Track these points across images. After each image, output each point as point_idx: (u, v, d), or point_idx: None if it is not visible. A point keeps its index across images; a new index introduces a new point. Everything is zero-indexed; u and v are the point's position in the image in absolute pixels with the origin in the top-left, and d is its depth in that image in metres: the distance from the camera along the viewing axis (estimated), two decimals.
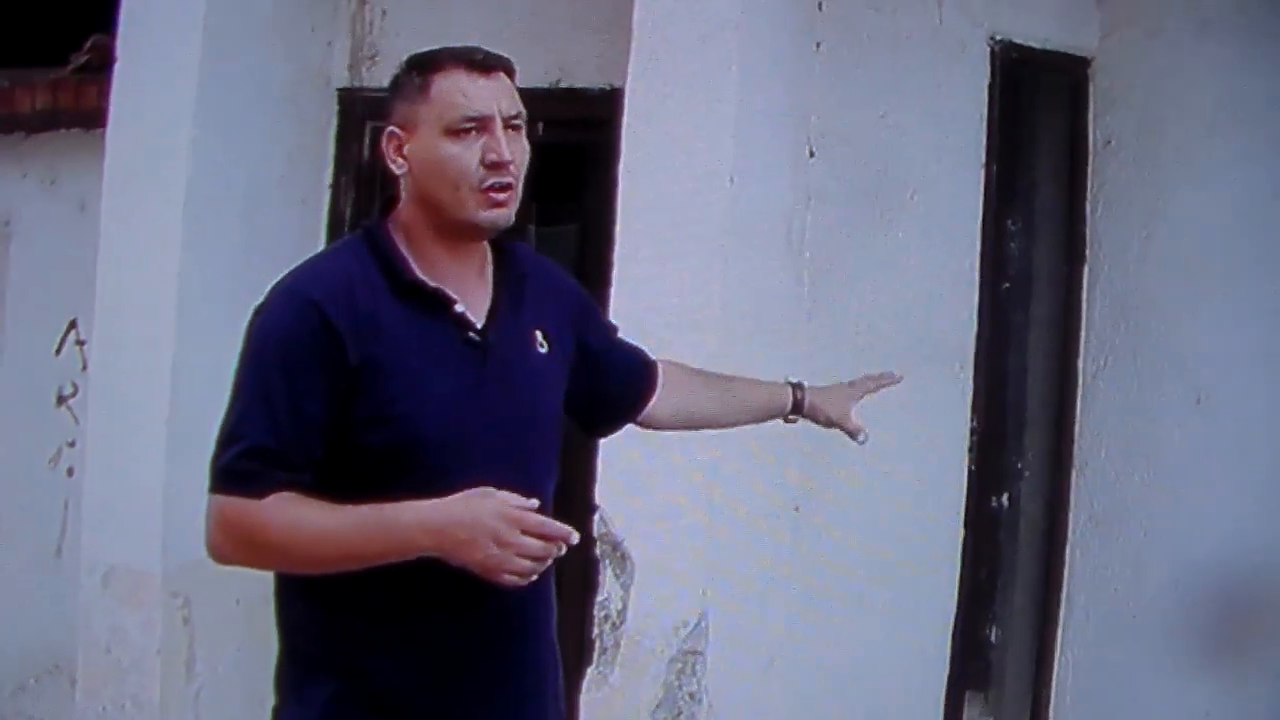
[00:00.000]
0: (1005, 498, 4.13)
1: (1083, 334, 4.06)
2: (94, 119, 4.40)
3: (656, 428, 2.69)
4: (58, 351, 4.83)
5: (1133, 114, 4.06)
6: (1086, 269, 4.07)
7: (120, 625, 4.18)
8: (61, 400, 4.83)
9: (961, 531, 3.93)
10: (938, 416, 3.91)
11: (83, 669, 4.25)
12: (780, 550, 3.78)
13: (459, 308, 2.20)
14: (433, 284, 2.19)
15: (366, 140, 4.35)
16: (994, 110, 3.96)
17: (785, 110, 3.77)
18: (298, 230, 4.29)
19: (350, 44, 4.42)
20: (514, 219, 2.23)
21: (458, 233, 2.22)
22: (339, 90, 4.43)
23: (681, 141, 3.60)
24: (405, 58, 2.35)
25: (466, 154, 2.17)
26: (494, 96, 2.20)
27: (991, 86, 3.97)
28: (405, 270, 2.19)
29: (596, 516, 3.64)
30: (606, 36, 3.98)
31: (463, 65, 2.21)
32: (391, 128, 2.22)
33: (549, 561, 2.08)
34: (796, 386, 2.75)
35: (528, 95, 4.45)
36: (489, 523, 2.05)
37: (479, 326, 2.22)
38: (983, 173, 3.96)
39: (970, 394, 3.95)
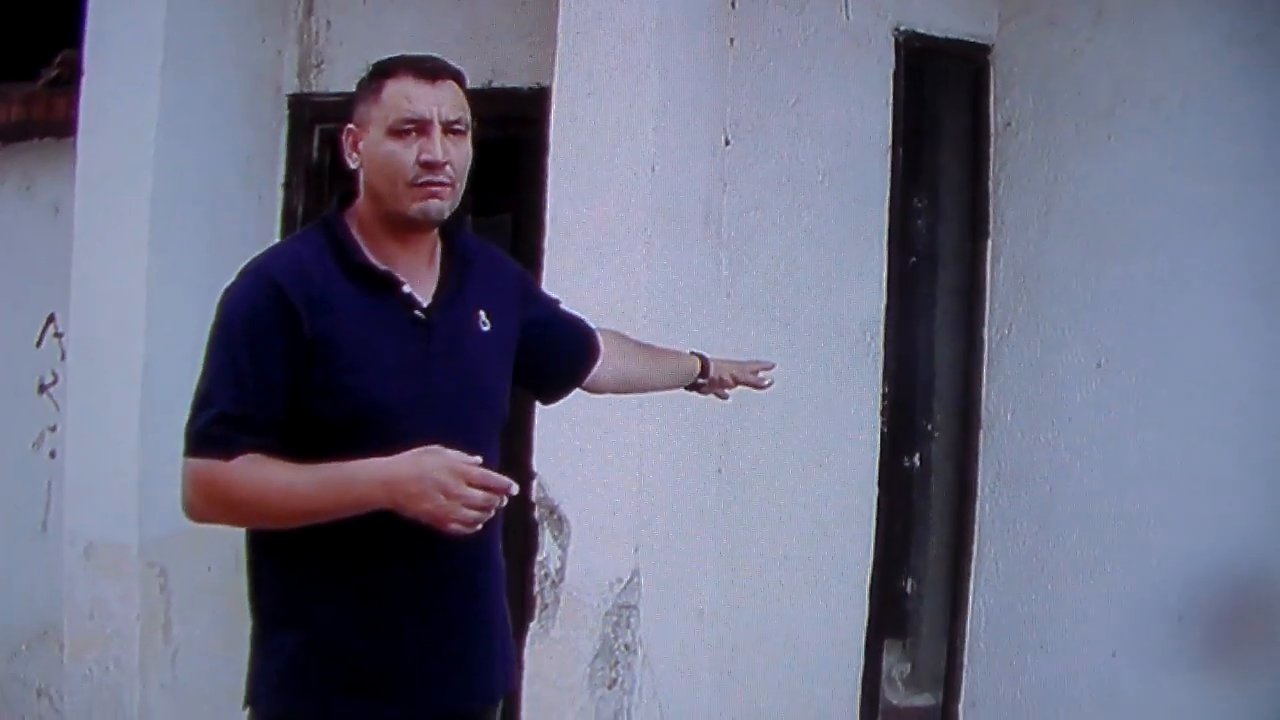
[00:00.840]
0: (917, 458, 4.22)
1: (987, 304, 4.16)
2: (65, 129, 4.51)
3: (597, 391, 2.84)
4: (38, 344, 4.90)
5: (1031, 98, 4.16)
6: (990, 243, 4.18)
7: (102, 594, 4.29)
8: (43, 388, 4.90)
9: (876, 490, 4.04)
10: (850, 383, 4.02)
11: (69, 635, 4.35)
12: (705, 510, 3.90)
13: (406, 289, 2.35)
14: (382, 267, 2.35)
15: (315, 141, 4.46)
16: (899, 97, 4.06)
17: (702, 103, 3.88)
18: (255, 225, 4.38)
19: (299, 53, 4.51)
20: (449, 213, 2.38)
21: (398, 222, 2.37)
22: (289, 96, 4.51)
23: (605, 135, 3.71)
24: (369, 65, 2.50)
25: (405, 152, 2.32)
26: (436, 102, 2.35)
27: (896, 75, 4.05)
28: (356, 254, 2.35)
29: (535, 482, 3.74)
30: (534, 39, 4.09)
31: (411, 72, 2.37)
32: (350, 125, 2.38)
33: (492, 512, 2.20)
34: (701, 356, 2.95)
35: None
36: (437, 475, 2.18)
37: (424, 306, 2.36)
38: (889, 156, 4.06)
39: (881, 362, 4.04)
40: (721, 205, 3.90)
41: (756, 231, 3.94)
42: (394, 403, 2.32)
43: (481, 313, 2.46)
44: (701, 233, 3.87)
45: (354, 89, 2.45)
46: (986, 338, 4.19)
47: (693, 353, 2.97)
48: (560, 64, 3.74)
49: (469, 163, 2.41)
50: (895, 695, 4.17)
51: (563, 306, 2.73)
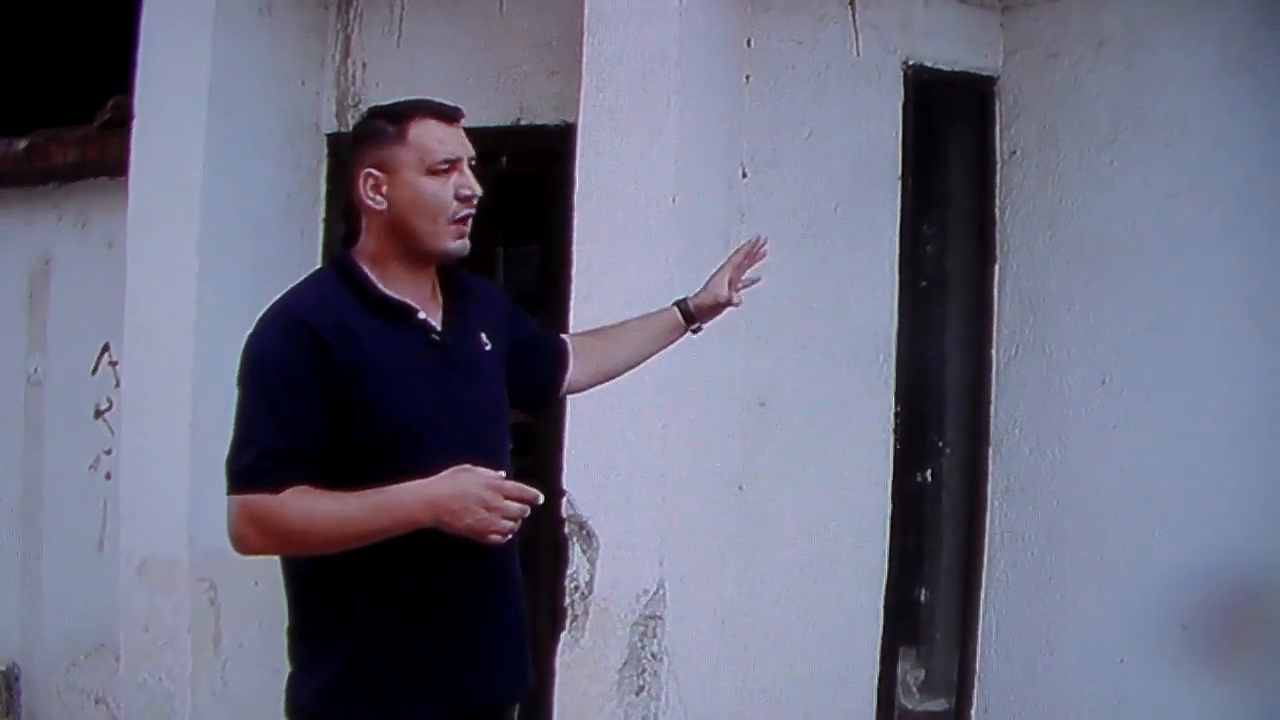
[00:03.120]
0: (928, 473, 4.30)
1: (995, 325, 4.24)
2: (118, 168, 4.63)
3: (582, 390, 2.97)
4: (94, 371, 5.04)
5: (1035, 127, 4.25)
6: (997, 268, 4.26)
7: (155, 608, 4.41)
8: (99, 414, 5.03)
9: (889, 504, 4.12)
10: (863, 403, 4.12)
11: (124, 647, 4.47)
12: (727, 525, 4.01)
13: (421, 315, 2.50)
14: (398, 297, 2.49)
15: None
16: (908, 128, 4.14)
17: (720, 137, 4.00)
18: (297, 259, 4.47)
19: (336, 94, 4.63)
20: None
21: (425, 258, 2.51)
22: (328, 135, 4.64)
23: (628, 168, 3.83)
24: (368, 109, 2.64)
25: (444, 190, 2.45)
26: (461, 140, 2.51)
27: (905, 106, 4.14)
28: (372, 289, 2.48)
29: (564, 499, 3.87)
30: (561, 78, 4.21)
31: (432, 115, 2.50)
32: (368, 169, 2.47)
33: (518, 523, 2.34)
34: (680, 302, 3.01)
35: (492, 133, 4.70)
36: (476, 491, 2.32)
37: (438, 330, 2.51)
38: (899, 184, 4.14)
39: (893, 383, 4.12)
40: (739, 234, 3.99)
41: (773, 260, 3.79)
42: (423, 420, 2.45)
43: (482, 334, 2.61)
44: (720, 261, 3.75)
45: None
46: (995, 358, 4.26)
47: (674, 303, 3.03)
48: (584, 101, 3.86)
49: None
50: (910, 701, 4.25)
51: (537, 325, 2.85)
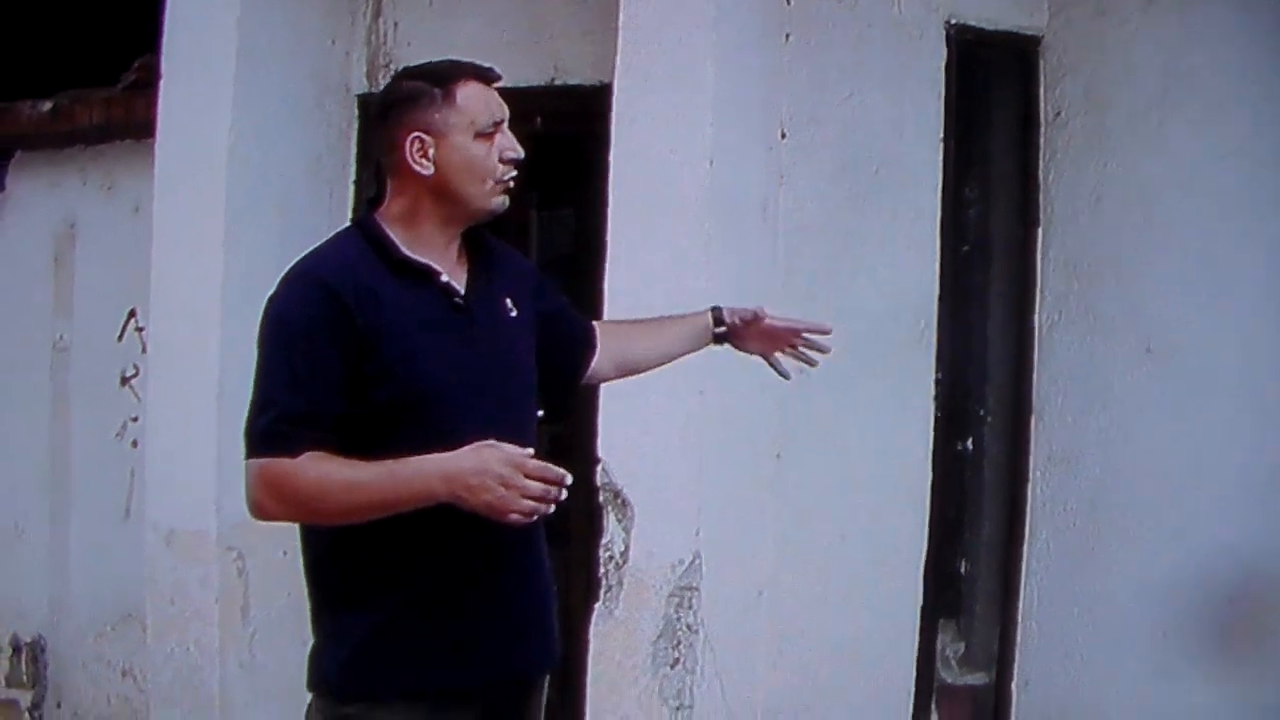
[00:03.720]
0: (970, 442, 4.28)
1: (1038, 291, 4.21)
2: (144, 130, 4.62)
3: (602, 381, 2.93)
4: (120, 338, 5.04)
5: (1081, 87, 4.20)
6: (1040, 232, 4.23)
7: (182, 578, 4.42)
8: (125, 381, 5.04)
9: (930, 473, 4.09)
10: (905, 369, 4.08)
11: (151, 617, 4.48)
12: (764, 494, 3.96)
13: (444, 279, 2.46)
14: (421, 260, 2.45)
15: None
16: (951, 89, 4.10)
17: (759, 97, 3.94)
18: (326, 222, 4.36)
19: (367, 54, 4.59)
20: None
21: (467, 219, 2.49)
22: (358, 96, 4.60)
23: (665, 130, 3.79)
24: (400, 70, 2.62)
25: (491, 154, 2.44)
26: (500, 102, 2.49)
27: (948, 67, 4.09)
28: (394, 250, 2.45)
29: (599, 467, 3.84)
30: (597, 37, 4.14)
31: (476, 77, 2.49)
32: (417, 134, 2.43)
33: (549, 505, 2.28)
34: (714, 309, 2.92)
35: (528, 92, 4.65)
36: (496, 469, 2.26)
37: (462, 294, 2.47)
38: (941, 147, 4.10)
39: (934, 348, 4.09)
40: (778, 198, 3.96)
41: (812, 223, 4.00)
42: (445, 386, 2.42)
43: (508, 300, 2.57)
44: (758, 225, 3.93)
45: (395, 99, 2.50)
46: (1038, 324, 4.23)
47: (710, 309, 2.94)
48: (621, 61, 3.82)
49: None
50: (949, 674, 4.23)
51: (566, 303, 2.80)
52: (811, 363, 2.96)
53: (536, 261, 4.56)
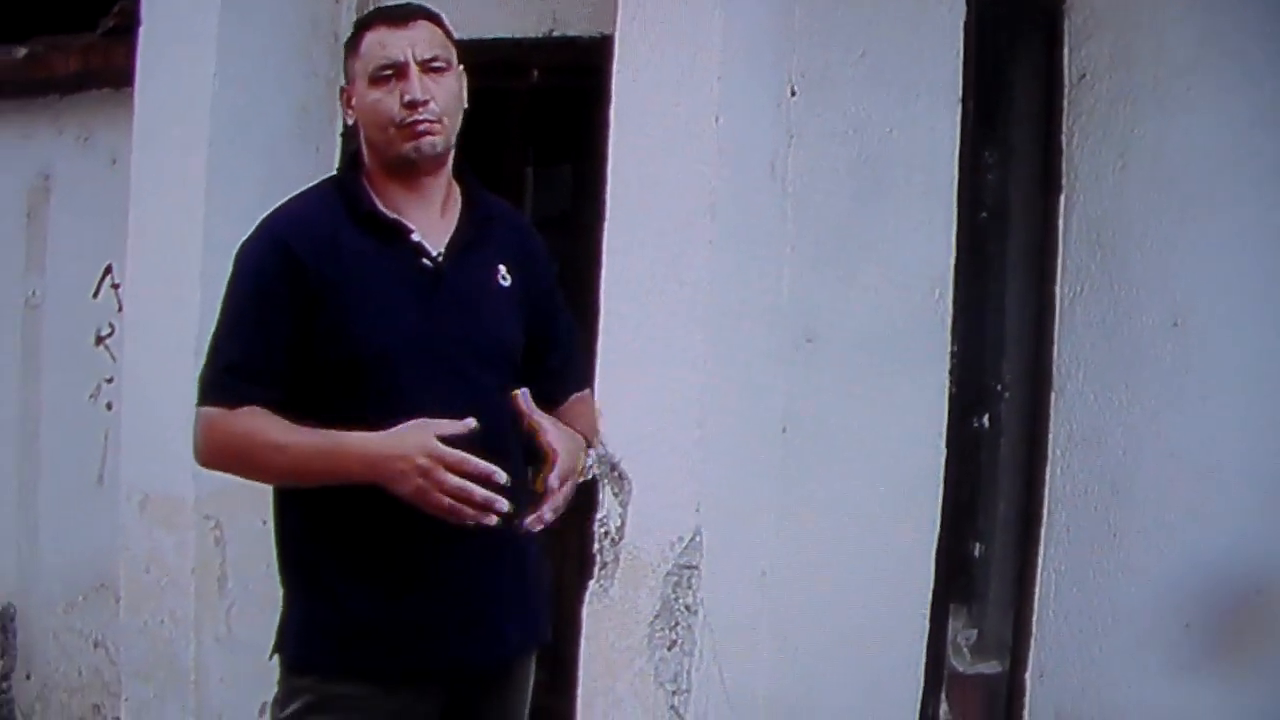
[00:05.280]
0: (986, 419, 4.17)
1: (1059, 261, 4.09)
2: (123, 79, 4.54)
3: None
4: (95, 295, 4.98)
5: (1107, 48, 4.08)
6: (1062, 199, 4.10)
7: (158, 547, 4.35)
8: (100, 340, 4.97)
9: (944, 451, 3.99)
10: (918, 342, 3.97)
11: (125, 587, 4.43)
12: (769, 470, 3.86)
13: (415, 236, 2.41)
14: (391, 215, 2.40)
15: None
16: (970, 47, 3.98)
17: (768, 52, 3.83)
18: (312, 176, 4.12)
19: (357, 2, 4.44)
20: (442, 148, 2.43)
21: (397, 167, 2.43)
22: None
23: (669, 85, 3.69)
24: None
25: (389, 98, 2.40)
26: (409, 44, 2.43)
27: (967, 24, 3.97)
28: (363, 202, 2.42)
29: (595, 438, 3.66)
30: None
31: (383, 21, 2.46)
32: (343, 84, 2.50)
33: (484, 510, 2.22)
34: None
35: (524, 44, 4.58)
36: (415, 458, 2.24)
37: (434, 255, 2.41)
38: (959, 108, 3.98)
39: (949, 320, 3.99)
40: (787, 158, 3.85)
41: (822, 185, 3.89)
42: (396, 348, 2.38)
43: (502, 267, 2.51)
44: (766, 185, 3.83)
45: None
46: (1059, 295, 4.12)
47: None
48: (623, 12, 3.73)
49: (458, 99, 2.47)
50: (961, 662, 4.14)
51: (565, 317, 2.71)
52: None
53: (531, 220, 4.52)
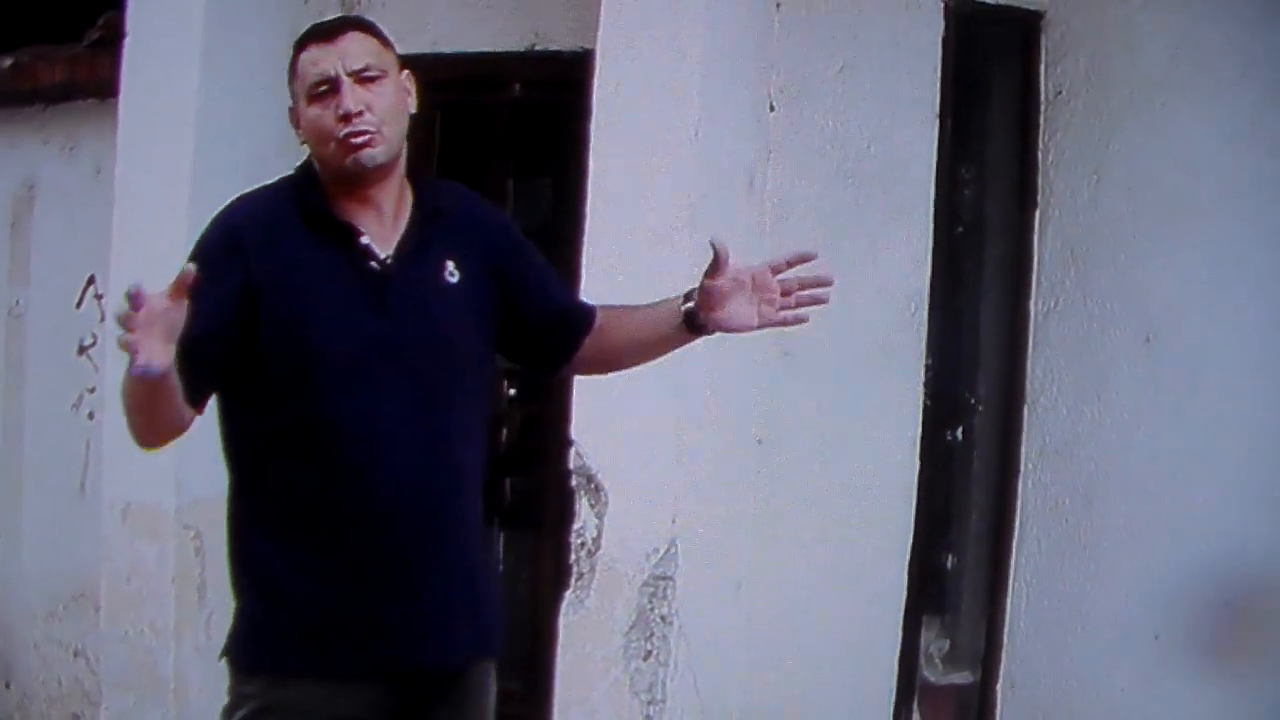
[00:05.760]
0: (959, 431, 4.20)
1: (1034, 276, 4.13)
2: (108, 89, 4.52)
3: (577, 374, 2.79)
4: (78, 305, 4.96)
5: (1083, 65, 4.12)
6: (1038, 214, 4.14)
7: (139, 556, 4.33)
8: (82, 350, 4.95)
9: (917, 463, 4.01)
10: (893, 355, 4.00)
11: (106, 597, 4.40)
12: (744, 481, 3.89)
13: (364, 240, 2.40)
14: (339, 218, 2.40)
15: None
16: (948, 64, 4.02)
17: (747, 68, 3.87)
18: None
19: (341, 11, 4.38)
20: (385, 158, 2.41)
21: (345, 180, 2.43)
22: None
23: (649, 99, 3.71)
24: None
25: (326, 114, 2.40)
26: (338, 57, 2.42)
27: (945, 41, 4.01)
28: (315, 202, 2.42)
29: (572, 450, 3.75)
30: (579, 1, 4.04)
31: (313, 39, 2.46)
32: (290, 105, 2.49)
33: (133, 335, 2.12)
34: (688, 301, 2.54)
35: (506, 59, 4.58)
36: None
37: (383, 258, 2.40)
38: (937, 124, 4.01)
39: (924, 333, 4.01)
40: (765, 172, 3.89)
41: (800, 199, 3.92)
42: (340, 350, 2.37)
43: (449, 263, 2.48)
44: (745, 199, 3.86)
45: (396, 51, 2.50)
46: (1033, 310, 4.15)
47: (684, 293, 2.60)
48: (603, 27, 3.74)
49: (397, 105, 2.44)
50: (933, 673, 4.16)
51: (551, 271, 2.64)
52: (820, 301, 2.52)
53: None
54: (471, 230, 2.54)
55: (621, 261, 3.65)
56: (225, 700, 2.48)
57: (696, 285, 2.56)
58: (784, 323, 2.56)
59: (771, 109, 3.93)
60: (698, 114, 3.68)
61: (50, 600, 5.01)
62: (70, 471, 4.90)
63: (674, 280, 3.58)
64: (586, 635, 3.73)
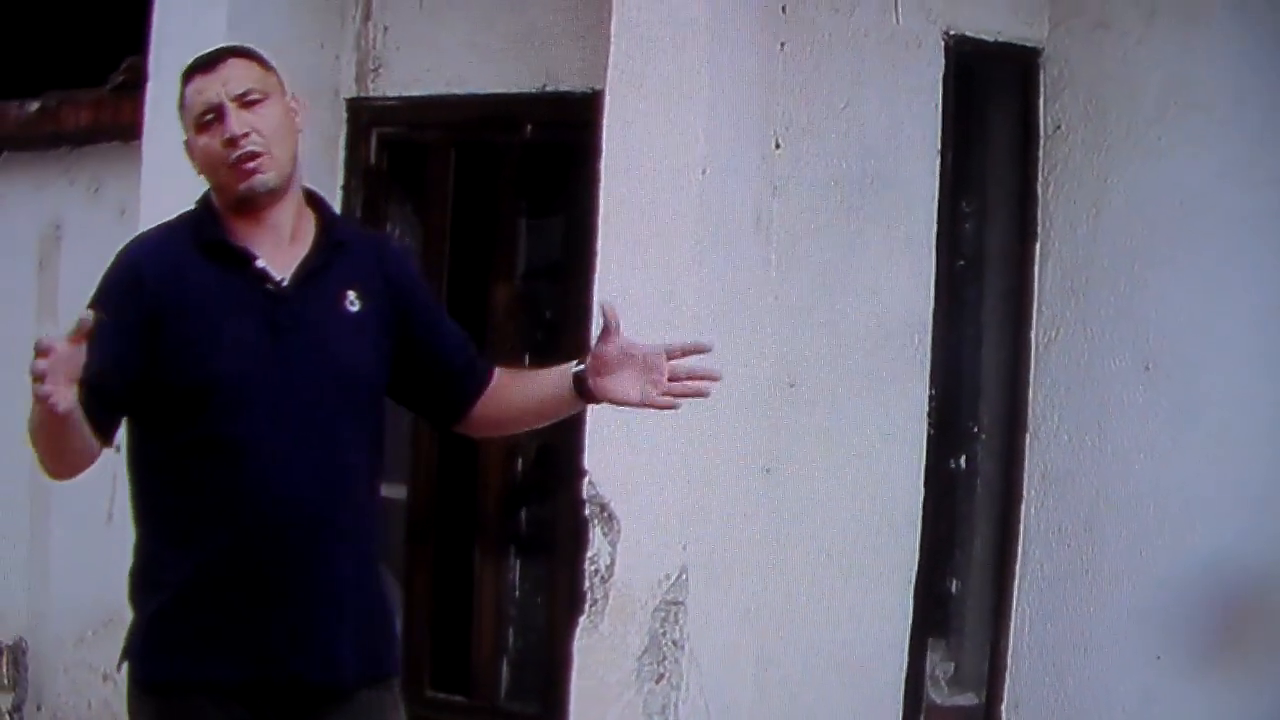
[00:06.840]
0: (963, 459, 4.26)
1: (1034, 307, 4.19)
2: (131, 132, 4.60)
3: (481, 430, 2.70)
4: None
5: (1081, 101, 4.18)
6: (1038, 246, 4.20)
7: None
8: None
9: (922, 491, 4.06)
10: (897, 386, 4.05)
11: None
12: (753, 509, 3.93)
13: (260, 264, 2.42)
14: (234, 243, 2.43)
15: (373, 145, 4.52)
16: (948, 100, 4.08)
17: (753, 106, 3.92)
18: None
19: (356, 57, 4.55)
20: (276, 181, 2.44)
21: (239, 205, 2.47)
22: (347, 100, 4.56)
23: (657, 138, 3.78)
24: None
25: (213, 142, 2.44)
26: (221, 84, 2.46)
27: (946, 78, 4.07)
28: (211, 230, 2.46)
29: (586, 480, 3.82)
30: (588, 43, 4.13)
31: (196, 70, 2.51)
32: (183, 139, 2.53)
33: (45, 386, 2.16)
34: (579, 364, 2.53)
35: (518, 99, 4.64)
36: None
37: (279, 279, 2.42)
38: (938, 159, 4.08)
39: (928, 365, 4.06)
40: (771, 209, 3.94)
41: (806, 235, 3.98)
42: (237, 376, 2.40)
43: (350, 293, 2.50)
44: (751, 236, 3.91)
45: (412, 93, 2.49)
46: (1034, 341, 4.21)
47: (578, 362, 2.57)
48: (613, 68, 3.81)
49: (285, 125, 2.46)
50: (938, 695, 4.21)
51: (455, 325, 2.65)
52: (700, 394, 2.54)
53: (523, 271, 4.59)
54: (377, 265, 2.56)
55: (632, 297, 3.67)
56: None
57: (580, 364, 2.55)
58: (662, 406, 2.55)
59: (777, 146, 3.98)
60: (704, 152, 3.74)
61: (80, 626, 5.04)
62: (97, 501, 4.84)
63: (681, 317, 3.75)
64: (600, 659, 3.78)
